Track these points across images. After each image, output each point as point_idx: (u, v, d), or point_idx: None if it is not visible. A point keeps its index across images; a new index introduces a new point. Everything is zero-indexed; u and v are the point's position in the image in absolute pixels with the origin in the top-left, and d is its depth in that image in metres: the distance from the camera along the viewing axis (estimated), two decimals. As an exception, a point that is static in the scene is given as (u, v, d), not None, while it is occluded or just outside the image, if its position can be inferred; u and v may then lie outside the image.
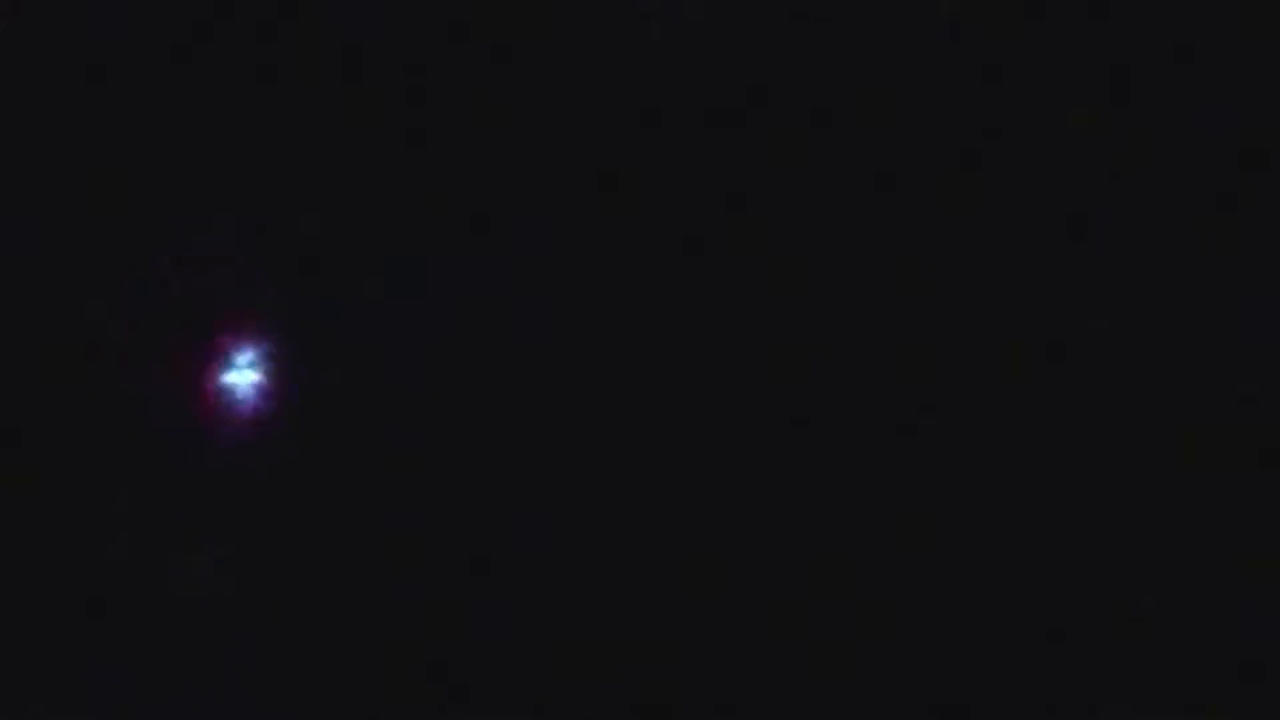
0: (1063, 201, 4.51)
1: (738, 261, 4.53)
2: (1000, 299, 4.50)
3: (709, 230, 4.55)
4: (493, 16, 4.56)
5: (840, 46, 4.54)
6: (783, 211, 4.54)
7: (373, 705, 4.39)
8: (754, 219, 4.54)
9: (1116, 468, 4.44)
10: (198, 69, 4.54)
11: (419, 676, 4.39)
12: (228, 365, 4.46)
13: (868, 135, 4.54)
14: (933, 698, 4.37)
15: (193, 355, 4.47)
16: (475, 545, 4.45)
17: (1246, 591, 4.35)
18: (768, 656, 4.41)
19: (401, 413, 4.49)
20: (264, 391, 4.46)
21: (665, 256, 4.55)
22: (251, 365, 4.46)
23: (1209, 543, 4.39)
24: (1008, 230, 4.51)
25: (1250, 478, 4.39)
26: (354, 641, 4.42)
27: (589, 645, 4.42)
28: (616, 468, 4.48)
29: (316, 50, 4.54)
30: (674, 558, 4.46)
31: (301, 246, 4.54)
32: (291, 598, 4.44)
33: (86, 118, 4.54)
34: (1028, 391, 4.47)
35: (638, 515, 4.47)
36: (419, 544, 4.44)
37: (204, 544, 4.45)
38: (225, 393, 4.45)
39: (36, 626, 4.39)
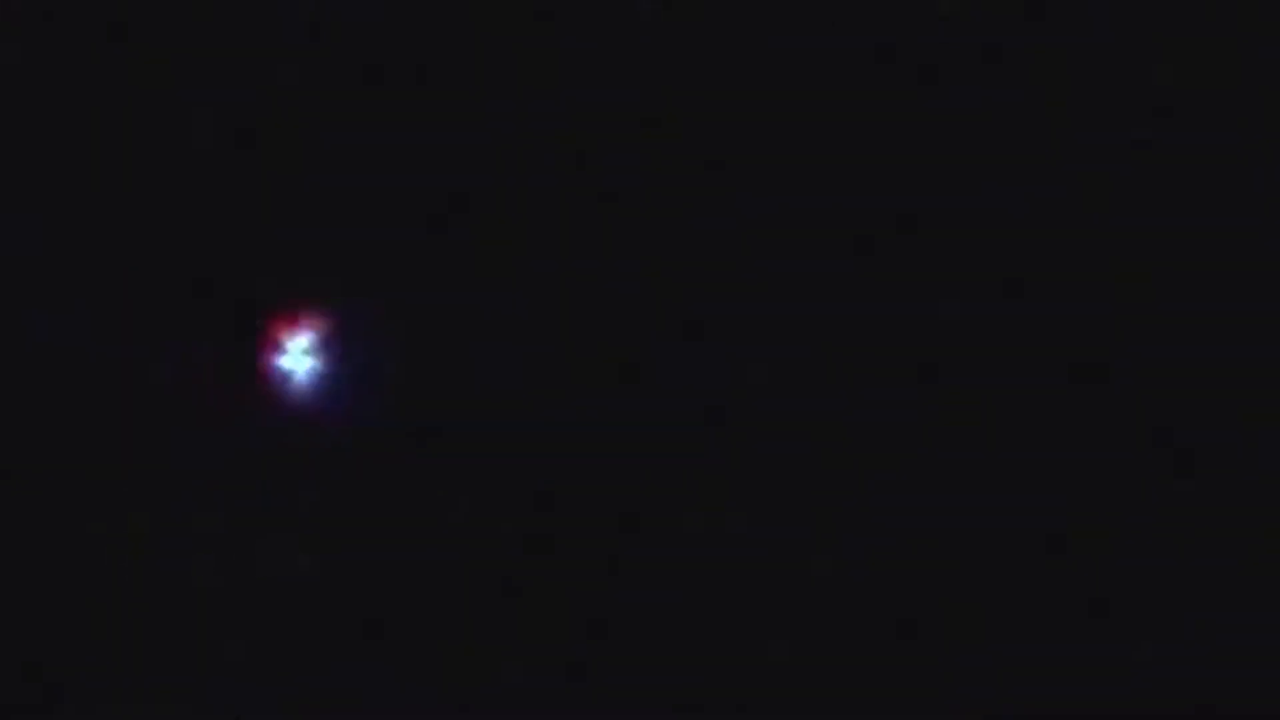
0: (1061, 200, 4.52)
1: (736, 260, 4.55)
2: (997, 298, 4.51)
3: (708, 230, 4.56)
4: (492, 16, 4.57)
5: (840, 46, 4.55)
6: (782, 211, 4.55)
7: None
8: (753, 218, 4.55)
9: (1115, 469, 4.45)
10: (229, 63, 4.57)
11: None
12: (279, 352, 4.54)
13: (867, 134, 4.54)
14: (931, 697, 4.38)
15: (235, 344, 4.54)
16: (520, 537, 4.48)
17: (1246, 592, 4.36)
18: (767, 657, 4.43)
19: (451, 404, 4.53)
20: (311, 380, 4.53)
21: (665, 255, 4.56)
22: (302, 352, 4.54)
23: (1208, 543, 4.40)
24: (1006, 231, 4.53)
25: (1250, 480, 4.41)
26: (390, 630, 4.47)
27: (596, 645, 4.45)
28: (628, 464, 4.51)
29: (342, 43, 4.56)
30: (675, 557, 4.48)
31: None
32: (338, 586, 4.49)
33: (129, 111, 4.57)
34: (1025, 391, 4.48)
35: (640, 514, 4.49)
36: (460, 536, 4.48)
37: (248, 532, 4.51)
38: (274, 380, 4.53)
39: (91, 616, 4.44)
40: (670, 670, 4.42)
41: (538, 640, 4.45)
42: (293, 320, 4.55)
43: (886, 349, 4.51)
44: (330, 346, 4.56)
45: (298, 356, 4.55)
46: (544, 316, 4.54)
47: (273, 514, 4.50)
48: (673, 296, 4.54)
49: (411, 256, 4.57)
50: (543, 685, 4.42)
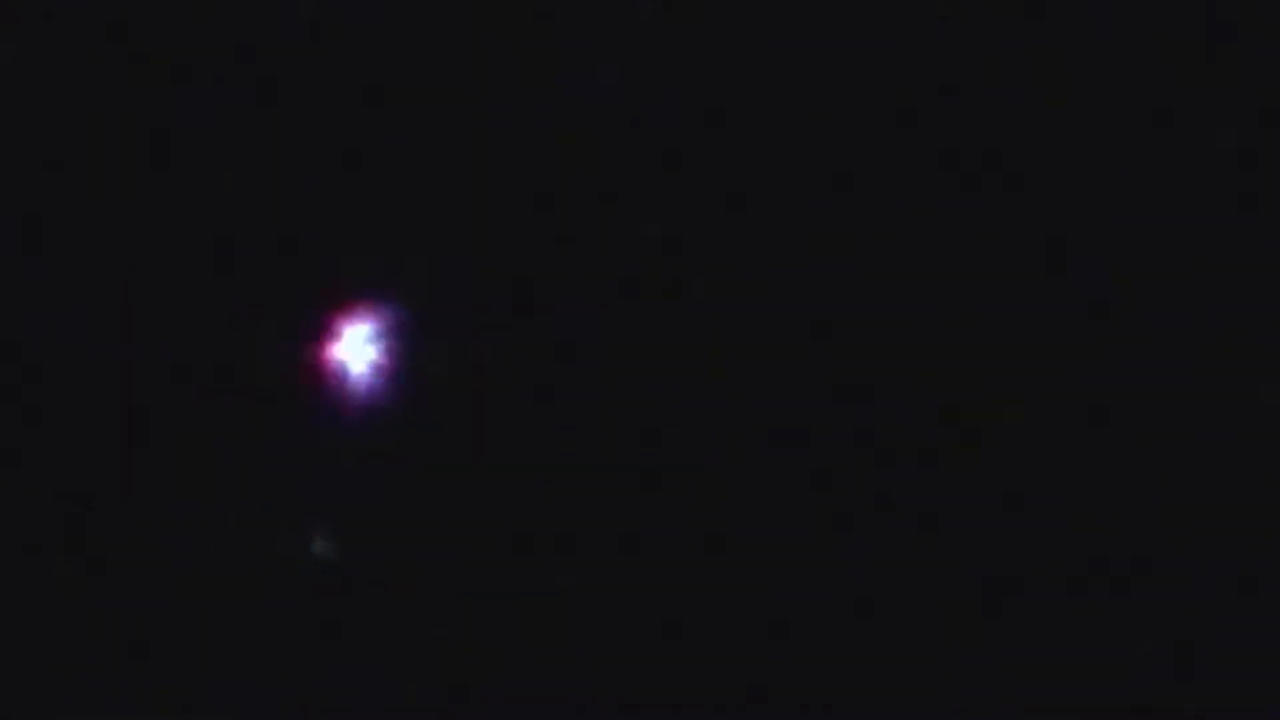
0: (1061, 200, 4.52)
1: (737, 262, 4.55)
2: (997, 298, 4.51)
3: (708, 232, 4.56)
4: (492, 16, 4.57)
5: (839, 46, 4.55)
6: (782, 212, 4.55)
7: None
8: (753, 220, 4.55)
9: (1115, 469, 4.45)
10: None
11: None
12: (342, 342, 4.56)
13: (866, 134, 4.54)
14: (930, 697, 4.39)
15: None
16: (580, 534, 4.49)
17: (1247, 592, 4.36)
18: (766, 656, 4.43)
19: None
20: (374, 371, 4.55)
21: (665, 255, 4.56)
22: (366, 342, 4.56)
23: (1208, 543, 4.40)
24: (1005, 231, 4.53)
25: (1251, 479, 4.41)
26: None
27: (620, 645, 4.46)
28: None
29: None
30: (676, 559, 4.48)
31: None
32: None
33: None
34: (1025, 391, 4.48)
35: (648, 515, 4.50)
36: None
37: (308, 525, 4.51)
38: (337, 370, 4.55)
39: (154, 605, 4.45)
40: (670, 670, 4.42)
41: (537, 640, 4.45)
42: (288, 319, 4.56)
43: (886, 349, 4.51)
44: (326, 344, 4.57)
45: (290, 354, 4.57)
46: (551, 315, 4.55)
47: (274, 512, 4.51)
48: (672, 296, 4.55)
49: (409, 255, 4.58)
50: (543, 685, 4.42)
